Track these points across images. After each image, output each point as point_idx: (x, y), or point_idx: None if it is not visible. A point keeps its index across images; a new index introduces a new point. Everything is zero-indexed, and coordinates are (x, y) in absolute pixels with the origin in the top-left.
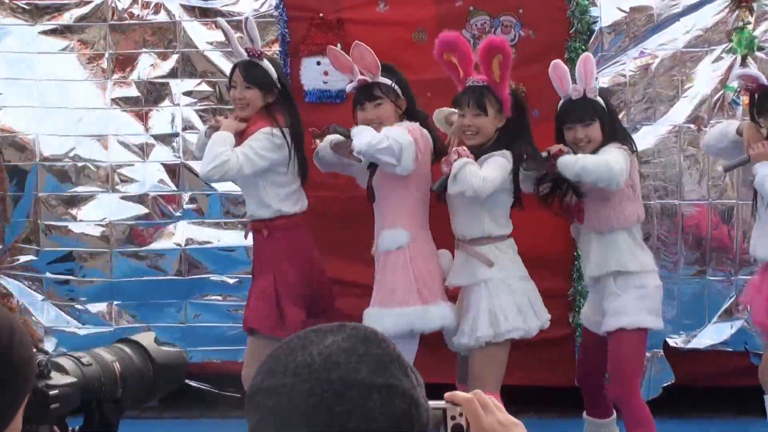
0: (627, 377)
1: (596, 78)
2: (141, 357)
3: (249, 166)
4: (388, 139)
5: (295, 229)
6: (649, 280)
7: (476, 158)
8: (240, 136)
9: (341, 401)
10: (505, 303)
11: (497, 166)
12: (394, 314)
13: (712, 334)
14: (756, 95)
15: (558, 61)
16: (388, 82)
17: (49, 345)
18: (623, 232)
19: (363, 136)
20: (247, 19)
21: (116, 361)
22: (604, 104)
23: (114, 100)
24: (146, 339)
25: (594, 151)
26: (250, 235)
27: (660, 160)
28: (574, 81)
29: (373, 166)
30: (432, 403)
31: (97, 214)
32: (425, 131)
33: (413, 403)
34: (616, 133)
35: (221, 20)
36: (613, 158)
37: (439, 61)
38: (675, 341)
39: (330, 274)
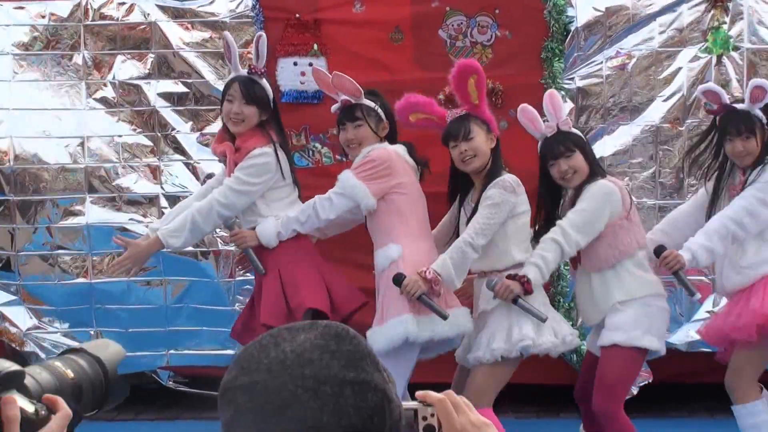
0: (613, 392)
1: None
2: (93, 367)
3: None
4: (308, 209)
5: (300, 237)
6: (654, 301)
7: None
8: (233, 153)
9: (314, 396)
10: (524, 320)
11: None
12: (388, 327)
13: (688, 333)
14: (718, 117)
15: (524, 105)
16: (371, 104)
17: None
18: (625, 262)
19: (267, 231)
20: (260, 36)
21: (71, 371)
22: (580, 134)
23: (89, 102)
24: (99, 349)
25: (582, 184)
26: None
27: (636, 160)
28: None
29: None
30: (404, 404)
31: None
32: (400, 148)
33: (385, 397)
34: (597, 167)
35: (227, 34)
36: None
37: (411, 127)
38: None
39: None
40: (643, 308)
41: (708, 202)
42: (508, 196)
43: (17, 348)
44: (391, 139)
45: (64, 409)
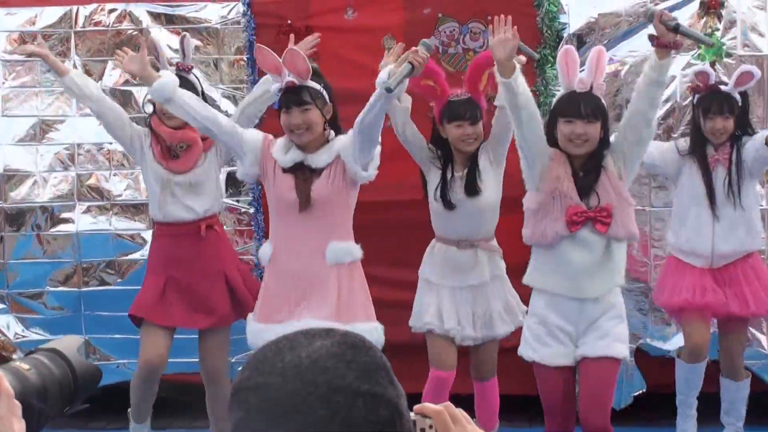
0: (608, 408)
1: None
2: (55, 361)
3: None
4: None
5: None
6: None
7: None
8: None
9: (326, 404)
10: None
11: None
12: (371, 329)
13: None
14: (700, 95)
15: (571, 47)
16: (316, 86)
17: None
18: (625, 243)
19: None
20: (185, 36)
21: (35, 373)
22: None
23: (80, 109)
24: (68, 347)
25: (591, 154)
26: None
27: None
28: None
29: (309, 172)
30: None
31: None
32: None
33: (396, 412)
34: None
35: (154, 36)
36: None
37: (415, 88)
38: (648, 345)
39: None
40: (624, 319)
41: (701, 175)
42: None
43: (6, 355)
44: (334, 122)
45: (6, 389)
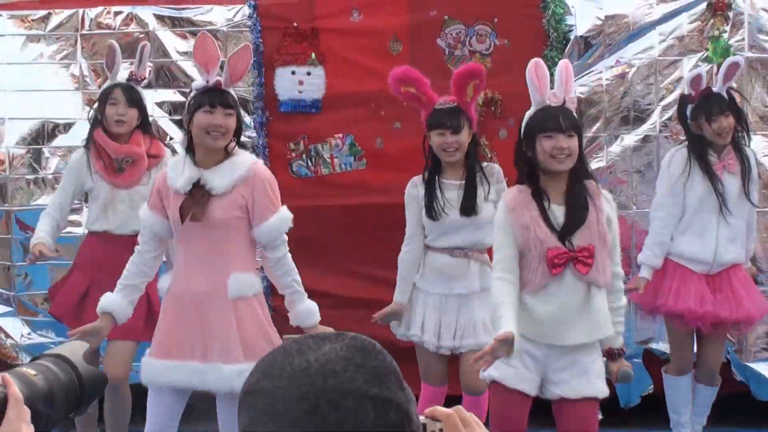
0: None
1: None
2: (67, 372)
3: None
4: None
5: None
6: None
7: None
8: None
9: (335, 409)
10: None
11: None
12: None
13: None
14: (695, 103)
15: (539, 60)
16: (235, 95)
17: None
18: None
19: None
20: (145, 45)
21: (42, 378)
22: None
23: (86, 111)
24: (73, 352)
25: (574, 173)
26: None
27: (636, 168)
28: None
29: (205, 192)
30: None
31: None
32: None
33: (406, 417)
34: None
35: (113, 42)
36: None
37: (398, 96)
38: (656, 349)
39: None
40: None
41: (709, 184)
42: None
43: (7, 362)
44: (237, 135)
45: (14, 393)
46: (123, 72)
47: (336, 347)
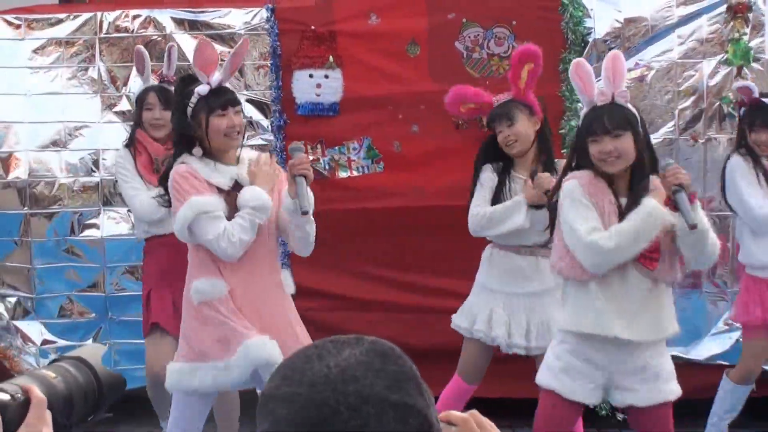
0: None
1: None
2: (86, 375)
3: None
4: None
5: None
6: None
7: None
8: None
9: (356, 415)
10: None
11: None
12: None
13: (709, 347)
14: (746, 108)
15: (582, 60)
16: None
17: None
18: (670, 290)
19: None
20: (172, 46)
21: (61, 381)
22: (638, 115)
23: (104, 115)
24: (92, 355)
25: (630, 172)
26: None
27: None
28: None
29: (237, 186)
30: None
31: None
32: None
33: (426, 422)
34: (653, 157)
35: (140, 47)
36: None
37: (460, 116)
38: (673, 353)
39: (319, 287)
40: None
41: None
42: None
43: (11, 371)
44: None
45: (38, 397)
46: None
47: (356, 352)
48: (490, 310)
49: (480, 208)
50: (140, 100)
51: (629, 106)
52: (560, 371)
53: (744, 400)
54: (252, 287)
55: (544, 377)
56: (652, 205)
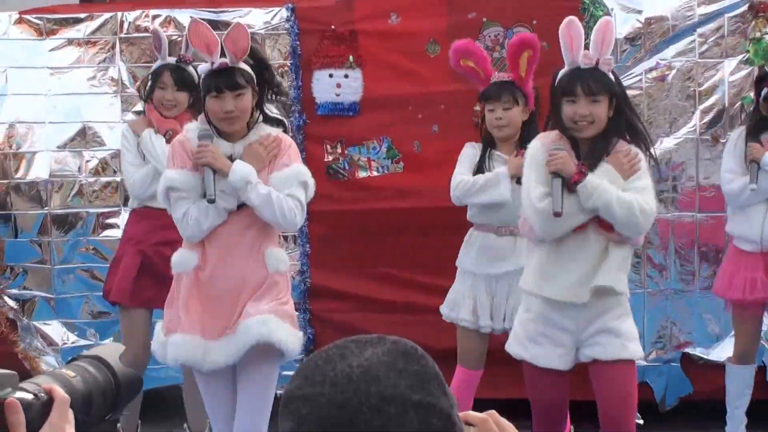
0: (633, 413)
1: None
2: (104, 374)
3: None
4: (284, 203)
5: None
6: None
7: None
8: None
9: (378, 415)
10: None
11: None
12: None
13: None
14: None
15: (574, 18)
16: (247, 68)
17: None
18: (627, 246)
19: (243, 171)
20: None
21: (80, 380)
22: (616, 83)
23: (125, 115)
24: (110, 354)
25: (598, 137)
26: None
27: (675, 172)
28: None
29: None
30: None
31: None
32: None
33: (449, 422)
34: (624, 125)
35: (157, 27)
36: (644, 200)
37: (457, 69)
38: (694, 354)
39: (338, 288)
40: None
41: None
42: None
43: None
44: (260, 105)
45: (61, 396)
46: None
47: (378, 352)
48: (474, 299)
49: (462, 176)
50: (155, 76)
51: (610, 75)
52: (527, 340)
53: (751, 383)
54: (226, 260)
55: (513, 347)
56: (595, 183)
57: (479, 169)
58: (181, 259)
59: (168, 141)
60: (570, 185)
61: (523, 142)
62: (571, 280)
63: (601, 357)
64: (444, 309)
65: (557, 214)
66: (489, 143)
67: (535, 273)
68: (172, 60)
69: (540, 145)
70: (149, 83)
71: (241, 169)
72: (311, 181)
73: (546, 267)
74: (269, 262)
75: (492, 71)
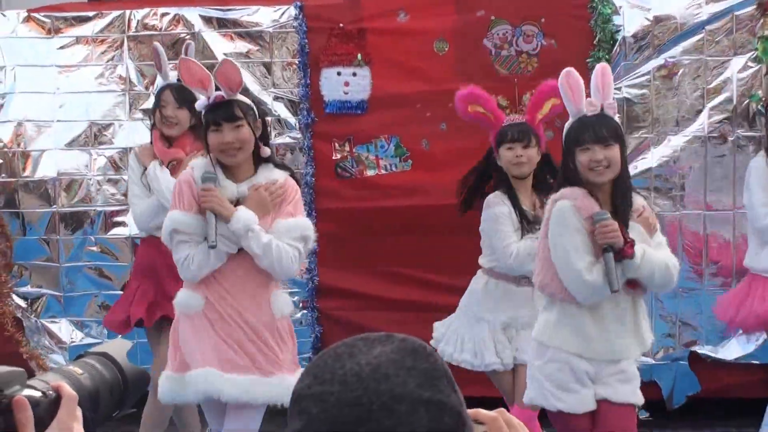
0: None
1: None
2: (111, 371)
3: None
4: (278, 251)
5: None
6: None
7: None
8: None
9: (389, 414)
10: None
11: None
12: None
13: (738, 346)
14: None
15: (572, 69)
16: (246, 100)
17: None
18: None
19: (246, 218)
20: (189, 44)
21: (88, 377)
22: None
23: (133, 113)
24: (117, 351)
25: (611, 186)
26: None
27: (683, 171)
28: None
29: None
30: None
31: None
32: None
33: (460, 420)
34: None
35: (157, 44)
36: (670, 256)
37: (465, 117)
38: (702, 352)
39: (345, 286)
40: None
41: None
42: None
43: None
44: (264, 138)
45: (69, 393)
46: (172, 72)
47: (386, 350)
48: (494, 342)
49: (514, 245)
50: (156, 98)
51: (617, 118)
52: (560, 390)
53: None
54: (228, 301)
55: (545, 400)
56: (640, 254)
57: (521, 220)
58: (185, 301)
59: (172, 172)
60: (617, 257)
61: (537, 183)
62: (619, 341)
63: (611, 398)
64: (445, 348)
65: (615, 291)
66: (506, 185)
67: (574, 335)
68: (173, 78)
69: (570, 206)
70: (153, 105)
71: (243, 216)
72: (313, 236)
73: (586, 329)
74: (275, 307)
75: (502, 114)
